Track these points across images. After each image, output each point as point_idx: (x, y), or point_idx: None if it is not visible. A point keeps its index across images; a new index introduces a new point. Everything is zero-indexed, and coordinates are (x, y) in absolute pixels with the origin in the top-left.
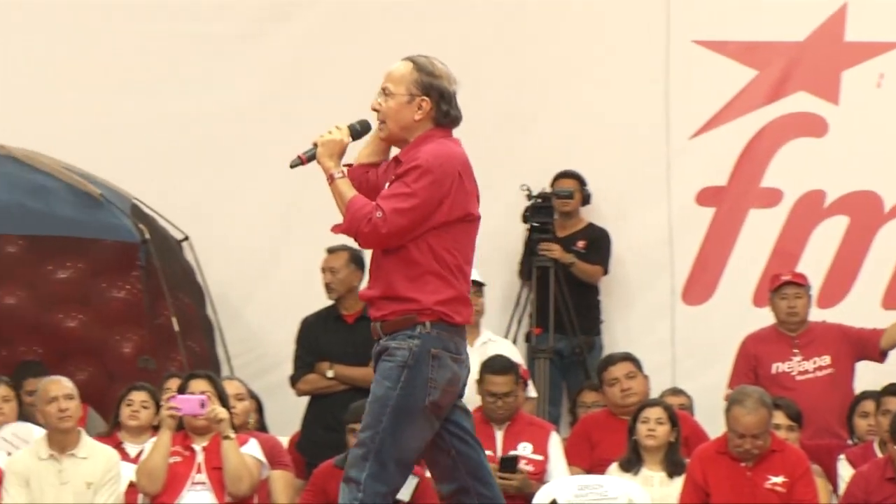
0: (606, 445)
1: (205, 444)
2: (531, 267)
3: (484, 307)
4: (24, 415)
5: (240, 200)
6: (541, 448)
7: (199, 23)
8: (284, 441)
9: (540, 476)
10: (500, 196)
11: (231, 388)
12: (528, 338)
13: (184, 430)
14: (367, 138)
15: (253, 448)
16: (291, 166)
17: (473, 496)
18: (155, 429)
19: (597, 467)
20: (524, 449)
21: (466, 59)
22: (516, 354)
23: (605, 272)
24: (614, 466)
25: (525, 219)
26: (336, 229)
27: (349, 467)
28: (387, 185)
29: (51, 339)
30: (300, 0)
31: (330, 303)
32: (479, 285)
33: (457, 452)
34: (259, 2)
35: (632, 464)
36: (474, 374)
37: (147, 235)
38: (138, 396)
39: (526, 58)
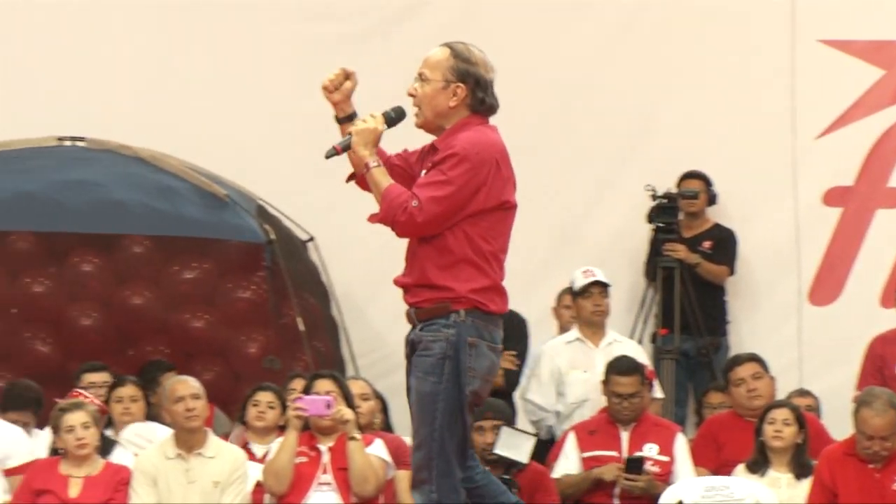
0: (733, 447)
1: (330, 444)
2: (656, 267)
3: (609, 308)
4: (152, 415)
5: (365, 200)
6: (667, 449)
7: (329, 22)
8: (409, 441)
9: (666, 477)
10: (624, 196)
11: (356, 387)
12: (653, 338)
13: (309, 430)
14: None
15: (378, 448)
16: (327, 157)
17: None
18: (281, 429)
19: (723, 469)
20: (650, 450)
21: (592, 61)
22: (642, 355)
23: (732, 272)
24: (741, 468)
25: (650, 219)
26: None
27: (417, 470)
28: (423, 172)
29: (177, 339)
30: None
31: None
32: (603, 286)
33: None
34: (385, 1)
35: (759, 465)
36: (600, 374)
37: (272, 236)
38: (264, 397)
39: (651, 58)
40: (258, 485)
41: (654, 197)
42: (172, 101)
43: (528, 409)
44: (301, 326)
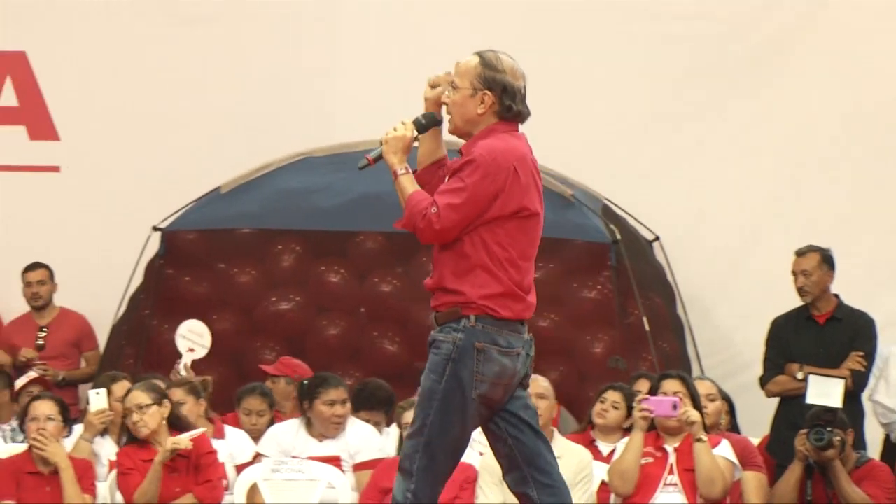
0: None
1: (676, 444)
2: None
3: None
4: None
5: (709, 200)
6: None
7: (667, 21)
8: (756, 442)
9: None
10: None
11: (703, 388)
12: None
13: (655, 430)
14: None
15: (725, 450)
16: (360, 168)
17: (531, 484)
18: (626, 429)
19: None
20: None
21: None
22: None
23: None
24: None
25: None
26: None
27: (403, 459)
28: (447, 178)
29: None
30: None
31: (800, 303)
32: None
33: (513, 440)
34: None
35: None
36: None
37: (618, 236)
38: (612, 396)
39: None
40: (603, 484)
41: None
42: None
43: (877, 410)
44: (646, 326)
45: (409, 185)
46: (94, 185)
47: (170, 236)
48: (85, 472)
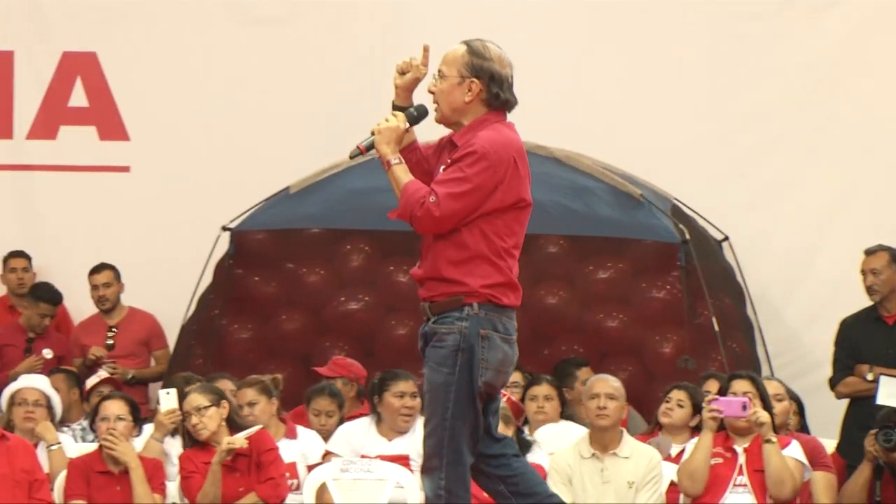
0: None
1: (746, 445)
2: None
3: None
4: (567, 413)
5: (779, 200)
6: None
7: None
8: (827, 444)
9: None
10: None
11: (771, 388)
12: None
13: (725, 430)
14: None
15: (795, 450)
16: (351, 157)
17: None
18: (693, 429)
19: None
20: None
21: None
22: None
23: None
24: None
25: None
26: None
27: (428, 458)
28: (441, 168)
29: (591, 338)
30: None
31: (868, 302)
32: None
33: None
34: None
35: None
36: None
37: (687, 236)
38: (676, 395)
39: None
40: (672, 485)
41: None
42: (586, 102)
43: None
44: (716, 326)
45: (403, 174)
46: (163, 185)
47: (239, 236)
48: (155, 472)
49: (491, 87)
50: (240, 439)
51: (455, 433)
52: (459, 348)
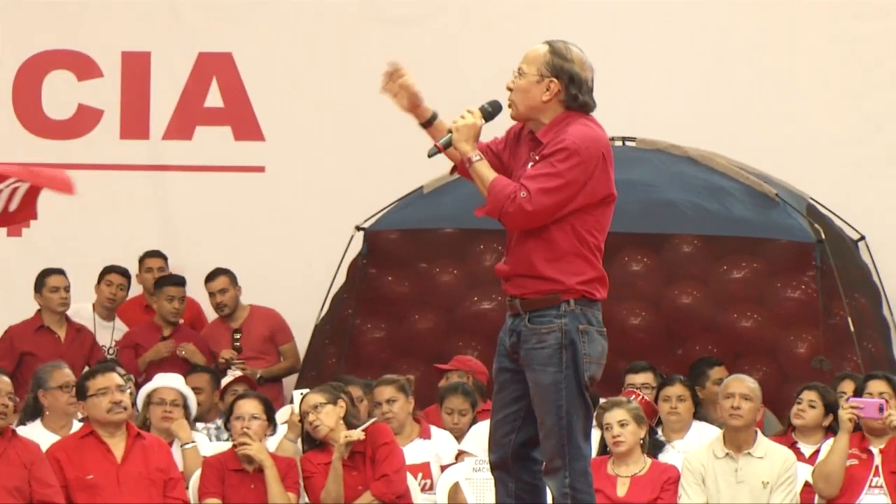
0: None
1: (882, 446)
2: None
3: None
4: (701, 414)
5: None
6: None
7: (871, 22)
8: None
9: None
10: None
11: None
12: None
13: (860, 431)
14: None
15: None
16: (429, 156)
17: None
18: (826, 428)
19: None
20: None
21: None
22: None
23: None
24: None
25: None
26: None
27: (550, 459)
28: (529, 165)
29: (725, 338)
30: None
31: None
32: None
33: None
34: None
35: None
36: None
37: (822, 235)
38: (808, 395)
39: None
40: (807, 485)
41: None
42: (721, 101)
43: None
44: (851, 327)
45: (486, 170)
46: (298, 185)
47: (372, 236)
48: (288, 471)
49: (570, 88)
50: (357, 432)
51: (572, 430)
52: (562, 345)
